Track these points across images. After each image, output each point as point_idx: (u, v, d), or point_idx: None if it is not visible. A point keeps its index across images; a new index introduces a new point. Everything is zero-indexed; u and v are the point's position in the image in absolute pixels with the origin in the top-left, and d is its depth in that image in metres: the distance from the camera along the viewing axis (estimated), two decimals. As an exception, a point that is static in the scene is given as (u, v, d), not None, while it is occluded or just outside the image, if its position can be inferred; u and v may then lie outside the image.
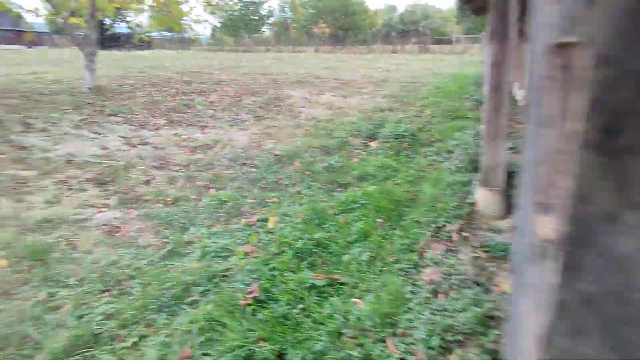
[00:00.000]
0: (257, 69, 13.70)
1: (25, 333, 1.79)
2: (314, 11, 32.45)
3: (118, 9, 9.50)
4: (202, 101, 6.81)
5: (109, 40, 32.55)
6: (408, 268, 2.34)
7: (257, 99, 7.27)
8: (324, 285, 2.15)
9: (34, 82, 9.69)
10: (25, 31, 41.08)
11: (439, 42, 28.37)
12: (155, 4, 7.60)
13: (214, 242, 2.51)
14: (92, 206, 3.02)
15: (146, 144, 4.52)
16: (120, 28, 35.94)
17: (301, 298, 2.02)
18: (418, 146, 4.64)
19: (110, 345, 1.74)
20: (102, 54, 16.58)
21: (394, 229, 2.81)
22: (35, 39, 40.21)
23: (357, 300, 2.05)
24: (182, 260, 2.36)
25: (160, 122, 5.61)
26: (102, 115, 5.78)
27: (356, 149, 4.56)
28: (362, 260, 2.39)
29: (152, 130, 5.15)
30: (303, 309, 1.93)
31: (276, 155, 4.16)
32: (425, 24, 27.60)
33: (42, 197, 3.10)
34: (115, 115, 5.82)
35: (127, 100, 7.09)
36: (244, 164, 3.98)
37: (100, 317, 1.89)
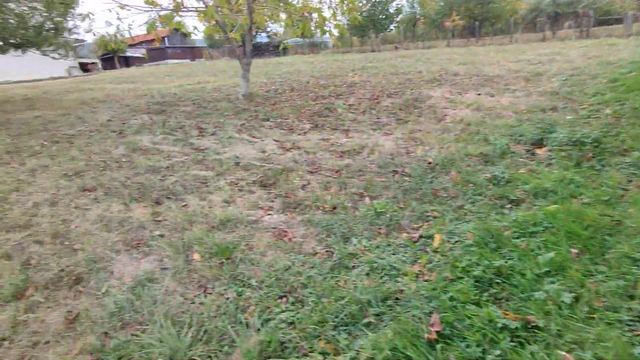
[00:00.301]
0: (388, 69, 13.48)
1: (223, 329, 1.96)
2: (443, 4, 30.57)
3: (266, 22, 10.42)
4: (342, 104, 6.94)
5: (255, 49, 36.58)
6: (631, 320, 1.84)
7: (395, 101, 7.07)
8: (516, 328, 1.83)
9: (199, 90, 11.44)
10: (191, 47, 49.18)
11: (603, 23, 23.54)
12: (299, 14, 8.06)
13: (380, 258, 2.42)
14: (260, 208, 3.27)
15: (298, 148, 4.77)
16: (261, 38, 40.10)
17: (493, 340, 1.75)
18: (606, 155, 3.78)
19: (296, 357, 1.77)
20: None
21: (596, 263, 2.28)
22: (197, 53, 47.84)
23: (566, 354, 1.68)
24: (349, 274, 2.32)
25: (306, 126, 5.89)
26: (256, 120, 6.39)
27: (521, 158, 3.96)
28: (562, 302, 1.97)
29: (300, 135, 5.44)
30: (499, 356, 1.66)
31: (429, 163, 3.89)
32: (588, 2, 23.17)
33: (220, 196, 3.50)
34: (267, 120, 6.37)
35: (274, 106, 7.72)
36: (395, 171, 3.82)
37: (283, 325, 1.96)
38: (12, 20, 9.44)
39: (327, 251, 2.60)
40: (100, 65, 38.73)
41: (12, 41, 9.36)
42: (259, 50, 35.97)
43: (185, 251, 2.66)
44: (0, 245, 2.86)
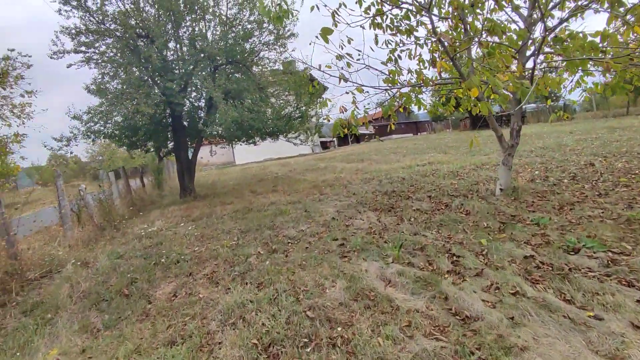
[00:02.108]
0: None
1: None
2: None
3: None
4: None
5: (480, 120, 33.51)
6: None
7: None
8: None
9: (432, 174, 9.55)
10: (414, 122, 50.73)
11: None
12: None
13: None
14: None
15: None
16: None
17: None
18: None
19: None
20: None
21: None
22: (420, 127, 48.64)
23: None
24: None
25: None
26: (550, 247, 3.65)
27: None
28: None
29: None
30: None
31: None
32: None
33: None
34: (573, 248, 3.53)
35: (563, 211, 4.77)
36: None
37: None
38: (269, 114, 10.49)
39: None
40: (336, 143, 44.47)
41: (267, 131, 10.33)
42: (484, 121, 32.49)
43: None
44: None
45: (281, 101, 11.20)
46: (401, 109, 6.79)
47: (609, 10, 4.32)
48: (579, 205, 5.00)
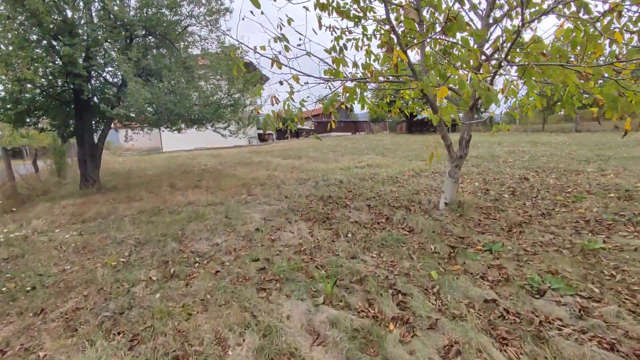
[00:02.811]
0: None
1: None
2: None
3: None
4: None
5: (416, 125, 34.67)
6: None
7: None
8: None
9: (371, 179, 8.96)
10: (353, 121, 51.20)
11: None
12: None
13: None
14: None
15: None
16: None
17: None
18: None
19: None
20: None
21: None
22: (359, 127, 49.22)
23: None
24: None
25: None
26: (511, 285, 3.05)
27: None
28: None
29: None
30: None
31: None
32: None
33: None
34: (539, 290, 2.97)
35: (513, 234, 4.32)
36: None
37: None
38: (195, 99, 9.08)
39: None
40: (274, 136, 43.10)
41: (190, 118, 8.90)
42: (425, 126, 33.67)
43: None
44: None
45: (211, 85, 9.80)
46: (343, 106, 5.96)
47: (566, 16, 3.88)
48: (527, 227, 4.60)
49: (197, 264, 3.97)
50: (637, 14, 3.38)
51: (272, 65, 4.72)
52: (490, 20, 5.06)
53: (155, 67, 8.38)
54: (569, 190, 6.68)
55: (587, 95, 5.11)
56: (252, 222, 5.52)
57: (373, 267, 3.60)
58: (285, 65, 4.71)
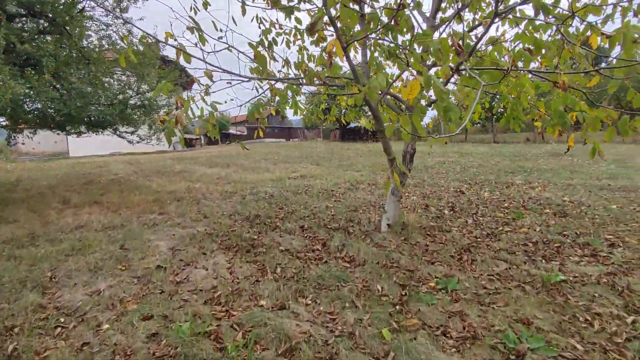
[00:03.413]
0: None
1: None
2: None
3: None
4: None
5: (349, 133, 34.98)
6: None
7: None
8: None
9: (304, 192, 8.17)
10: (288, 127, 50.59)
11: None
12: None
13: None
14: None
15: None
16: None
17: None
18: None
19: None
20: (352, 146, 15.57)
21: None
22: (293, 134, 48.67)
23: None
24: None
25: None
26: (475, 340, 2.41)
27: None
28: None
29: None
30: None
31: None
32: None
33: None
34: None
35: (464, 263, 3.79)
36: None
37: None
38: (96, 98, 7.49)
39: None
40: (203, 141, 40.55)
41: (85, 120, 7.29)
42: (359, 134, 34.09)
43: None
44: None
45: (116, 82, 8.24)
46: (274, 112, 5.06)
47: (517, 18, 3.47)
48: (477, 253, 4.12)
49: (58, 330, 2.76)
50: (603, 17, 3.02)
51: (177, 56, 3.67)
52: (436, 22, 4.58)
53: (38, 55, 6.69)
54: (505, 205, 6.54)
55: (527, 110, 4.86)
56: (156, 254, 4.34)
57: (308, 323, 2.73)
58: (196, 58, 3.70)
